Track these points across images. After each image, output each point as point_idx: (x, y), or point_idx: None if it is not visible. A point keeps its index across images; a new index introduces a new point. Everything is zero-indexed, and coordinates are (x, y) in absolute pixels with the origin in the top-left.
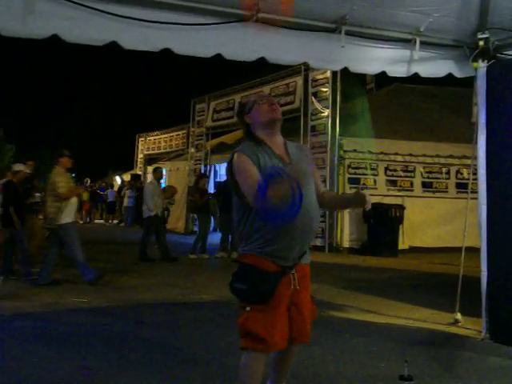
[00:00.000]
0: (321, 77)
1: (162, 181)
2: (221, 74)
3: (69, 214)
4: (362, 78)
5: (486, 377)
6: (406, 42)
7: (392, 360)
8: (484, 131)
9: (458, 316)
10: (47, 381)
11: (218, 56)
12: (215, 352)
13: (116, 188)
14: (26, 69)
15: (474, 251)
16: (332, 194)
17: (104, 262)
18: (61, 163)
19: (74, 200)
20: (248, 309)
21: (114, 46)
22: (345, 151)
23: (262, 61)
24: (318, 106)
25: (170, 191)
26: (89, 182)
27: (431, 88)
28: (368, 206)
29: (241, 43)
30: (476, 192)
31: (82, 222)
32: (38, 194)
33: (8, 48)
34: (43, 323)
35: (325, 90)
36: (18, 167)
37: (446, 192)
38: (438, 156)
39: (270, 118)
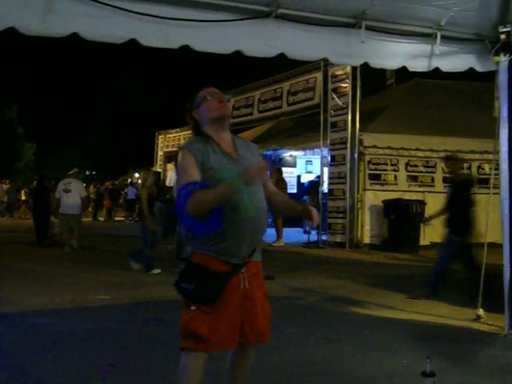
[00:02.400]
0: (340, 72)
1: None
2: (240, 70)
3: None
4: (382, 73)
5: (509, 373)
6: (427, 37)
7: (414, 356)
8: (506, 125)
9: (481, 312)
10: (69, 377)
11: (238, 52)
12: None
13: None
14: (45, 67)
15: (496, 247)
16: (283, 197)
17: (124, 258)
18: None
19: None
20: (193, 308)
21: (133, 43)
22: (365, 147)
23: (281, 57)
24: (337, 101)
25: None
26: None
27: (452, 83)
28: (314, 223)
29: (260, 39)
30: (498, 187)
31: (102, 219)
32: None
33: (29, 46)
34: (64, 320)
35: (345, 85)
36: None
37: None
38: (459, 151)
39: (218, 115)
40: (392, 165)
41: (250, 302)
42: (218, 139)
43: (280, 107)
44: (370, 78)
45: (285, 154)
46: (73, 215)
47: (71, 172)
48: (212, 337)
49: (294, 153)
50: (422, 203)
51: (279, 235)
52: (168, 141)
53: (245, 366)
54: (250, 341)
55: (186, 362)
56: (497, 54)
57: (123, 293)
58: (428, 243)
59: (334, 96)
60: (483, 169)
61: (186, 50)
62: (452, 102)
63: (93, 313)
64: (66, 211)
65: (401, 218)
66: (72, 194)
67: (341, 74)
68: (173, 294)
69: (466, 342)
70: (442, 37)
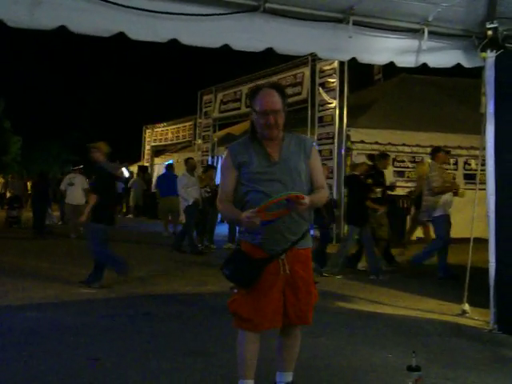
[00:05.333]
0: (328, 67)
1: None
2: (228, 64)
3: (441, 208)
4: (369, 68)
5: (493, 367)
6: (415, 32)
7: (400, 351)
8: (492, 121)
9: (466, 307)
10: (55, 372)
11: (226, 46)
12: (222, 343)
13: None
14: (32, 60)
15: (482, 242)
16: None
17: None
18: (438, 158)
19: (448, 196)
20: (235, 291)
21: (121, 36)
22: (352, 142)
23: (269, 51)
24: (325, 96)
25: (206, 180)
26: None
27: (439, 78)
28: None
29: (248, 33)
30: (484, 183)
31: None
32: (379, 189)
33: (16, 38)
34: (51, 314)
35: (332, 80)
36: (360, 160)
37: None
38: (445, 147)
39: (262, 134)
40: None
41: (292, 286)
42: (266, 141)
43: None
44: (358, 73)
45: None
46: (77, 205)
47: (76, 168)
48: (254, 318)
49: None
50: (409, 198)
51: None
52: (156, 135)
53: (291, 345)
54: (293, 322)
55: (240, 337)
56: (484, 50)
57: (110, 287)
58: (415, 238)
59: (322, 91)
60: (469, 164)
61: (173, 43)
62: (439, 97)
63: (79, 307)
64: (70, 202)
65: (388, 213)
66: (75, 186)
67: (328, 69)
68: (160, 288)
69: (452, 337)
70: (430, 32)
